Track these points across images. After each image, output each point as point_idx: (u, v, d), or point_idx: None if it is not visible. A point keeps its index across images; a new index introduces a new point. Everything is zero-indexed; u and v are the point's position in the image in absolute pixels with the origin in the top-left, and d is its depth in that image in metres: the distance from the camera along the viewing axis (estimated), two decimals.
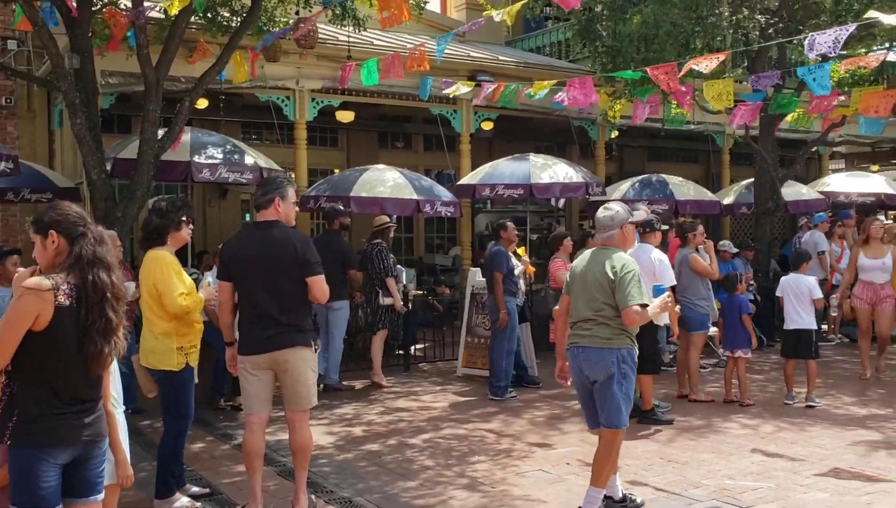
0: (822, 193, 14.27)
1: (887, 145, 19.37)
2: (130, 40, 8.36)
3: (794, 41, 8.90)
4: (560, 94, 9.11)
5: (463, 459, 6.12)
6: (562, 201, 14.92)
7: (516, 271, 8.68)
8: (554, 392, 8.53)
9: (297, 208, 5.09)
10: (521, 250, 9.26)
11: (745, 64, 12.15)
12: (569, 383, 5.11)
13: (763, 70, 10.75)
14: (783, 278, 8.17)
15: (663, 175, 13.49)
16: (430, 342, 10.79)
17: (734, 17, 10.10)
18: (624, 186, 13.18)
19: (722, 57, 8.27)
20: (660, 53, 9.81)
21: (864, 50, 11.73)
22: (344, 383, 8.83)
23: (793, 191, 13.44)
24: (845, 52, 11.95)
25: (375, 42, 11.97)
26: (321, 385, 8.55)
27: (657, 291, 5.03)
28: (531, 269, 9.50)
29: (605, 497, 4.93)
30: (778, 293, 8.10)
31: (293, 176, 12.09)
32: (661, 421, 7.03)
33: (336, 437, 6.84)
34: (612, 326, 4.69)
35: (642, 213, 5.54)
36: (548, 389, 8.69)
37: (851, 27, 7.85)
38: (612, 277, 4.66)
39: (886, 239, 9.25)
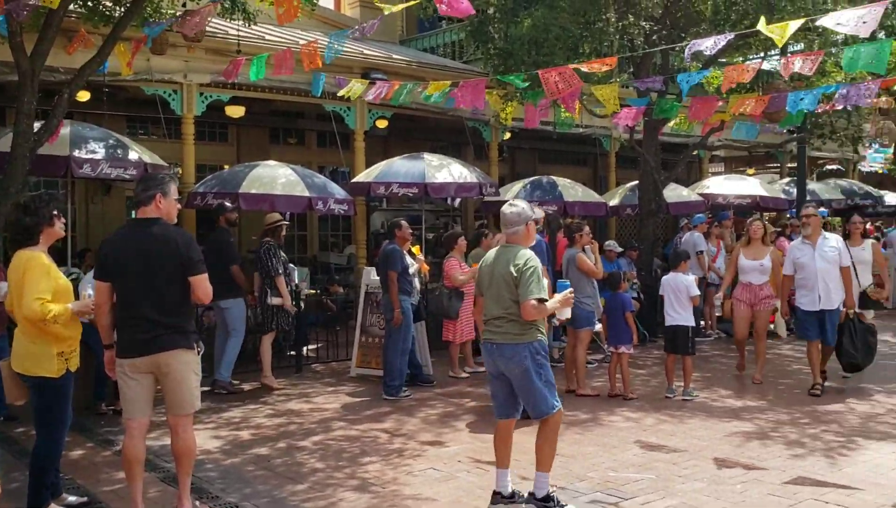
0: (701, 195, 14.93)
1: (762, 150, 20.42)
2: (2, 27, 7.92)
3: (677, 48, 9.28)
4: (454, 92, 9.20)
5: (354, 460, 6.08)
6: (457, 201, 15.07)
7: (411, 270, 8.70)
8: (448, 390, 8.60)
9: (180, 205, 4.94)
10: (416, 249, 9.29)
11: (631, 69, 12.56)
12: None
13: (648, 76, 11.15)
14: (663, 278, 8.51)
15: (553, 177, 13.83)
16: (324, 342, 10.68)
17: (620, 23, 10.43)
18: (516, 187, 13.42)
19: (611, 62, 8.53)
20: (550, 57, 10.02)
21: (741, 58, 12.34)
22: (234, 382, 8.64)
23: (674, 193, 14.00)
24: (724, 60, 12.58)
25: (267, 37, 11.76)
26: (210, 385, 8.38)
27: (560, 286, 5.18)
28: (426, 268, 9.55)
29: (495, 492, 5.01)
30: (660, 292, 8.42)
31: (180, 172, 11.74)
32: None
33: (223, 441, 6.67)
34: (521, 322, 4.83)
35: (541, 212, 5.70)
36: (442, 387, 8.76)
37: (730, 35, 8.25)
38: (514, 274, 4.81)
39: (768, 240, 9.48)
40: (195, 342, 4.70)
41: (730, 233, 13.14)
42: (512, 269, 4.83)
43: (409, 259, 8.73)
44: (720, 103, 10.33)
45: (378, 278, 8.85)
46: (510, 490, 5.05)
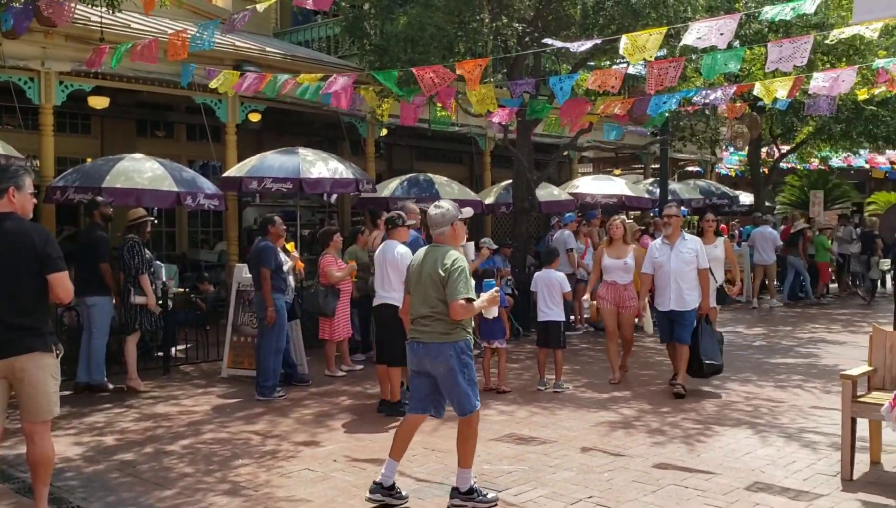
0: (571, 194, 15.45)
1: (628, 151, 21.29)
2: None
3: (548, 50, 9.54)
4: (328, 88, 9.14)
5: (225, 463, 5.92)
6: (333, 197, 14.94)
7: (285, 268, 8.56)
8: (324, 390, 8.51)
9: (35, 200, 4.66)
10: (290, 246, 9.15)
11: (505, 70, 12.81)
12: None
13: (520, 77, 11.41)
14: (536, 274, 8.73)
15: (430, 174, 13.91)
16: (193, 342, 10.34)
17: (494, 24, 10.62)
18: (393, 184, 13.43)
19: (482, 63, 8.67)
20: (425, 55, 10.07)
21: (608, 62, 12.81)
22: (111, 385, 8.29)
23: (546, 192, 14.39)
24: (593, 63, 13.03)
25: (133, 25, 11.25)
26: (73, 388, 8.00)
27: (486, 286, 5.28)
28: (301, 265, 9.41)
29: (375, 482, 5.05)
30: (532, 288, 8.63)
31: (37, 164, 11.09)
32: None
33: (85, 447, 6.35)
34: (448, 321, 4.90)
35: (470, 210, 5.73)
36: (318, 386, 8.65)
37: (597, 40, 8.55)
38: (443, 274, 4.88)
39: (630, 239, 9.51)
40: (53, 345, 4.44)
41: (597, 231, 13.63)
42: (440, 269, 4.89)
43: (282, 256, 8.58)
44: (589, 106, 10.69)
45: (250, 275, 8.65)
46: (392, 482, 5.08)
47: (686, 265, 8.07)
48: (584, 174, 20.24)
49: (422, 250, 5.19)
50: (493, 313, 5.40)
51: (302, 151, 11.71)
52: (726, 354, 8.76)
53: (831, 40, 9.19)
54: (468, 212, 5.36)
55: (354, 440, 6.51)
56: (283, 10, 16.28)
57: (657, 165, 17.95)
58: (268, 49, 13.14)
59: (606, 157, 23.38)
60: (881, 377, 5.73)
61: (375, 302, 7.53)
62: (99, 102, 12.36)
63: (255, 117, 13.21)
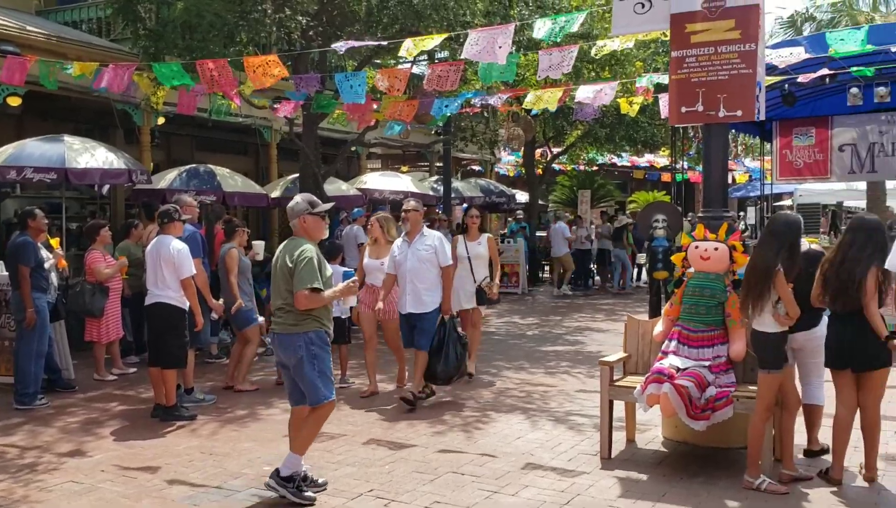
0: (360, 190, 15.56)
1: (414, 149, 21.77)
2: None
3: (333, 47, 9.51)
4: (101, 76, 8.59)
5: None
6: (105, 188, 13.99)
7: (47, 265, 7.94)
8: (92, 395, 7.99)
9: None
10: (53, 241, 8.51)
11: (290, 63, 12.62)
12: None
13: (305, 71, 11.29)
14: None
15: (211, 166, 13.42)
16: None
17: (277, 16, 10.42)
18: (171, 176, 12.83)
19: (272, 59, 8.51)
20: (204, 43, 9.70)
21: (393, 61, 13.01)
22: None
23: (334, 187, 14.37)
24: (379, 61, 13.17)
25: None
26: None
27: (345, 275, 5.24)
28: (64, 263, 8.76)
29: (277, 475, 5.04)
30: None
31: None
32: (183, 418, 6.99)
33: None
34: (297, 312, 5.00)
35: (328, 205, 5.53)
36: (85, 392, 8.10)
37: (382, 42, 8.66)
38: (290, 265, 4.97)
39: (389, 239, 8.25)
40: None
41: None
42: (288, 261, 4.98)
43: (44, 252, 7.94)
44: (375, 104, 10.79)
45: (7, 273, 7.93)
46: (303, 472, 5.11)
47: (423, 264, 7.39)
48: (372, 170, 20.44)
49: (283, 244, 5.24)
50: (351, 302, 5.46)
51: (68, 138, 10.90)
52: (502, 343, 9.19)
53: (596, 53, 9.93)
54: (325, 206, 5.31)
55: (125, 448, 6.16)
56: None
57: (441, 164, 18.51)
58: (29, 28, 12.06)
59: (394, 154, 23.75)
60: (634, 363, 6.28)
61: (148, 301, 7.16)
62: None
63: (14, 101, 12.06)
